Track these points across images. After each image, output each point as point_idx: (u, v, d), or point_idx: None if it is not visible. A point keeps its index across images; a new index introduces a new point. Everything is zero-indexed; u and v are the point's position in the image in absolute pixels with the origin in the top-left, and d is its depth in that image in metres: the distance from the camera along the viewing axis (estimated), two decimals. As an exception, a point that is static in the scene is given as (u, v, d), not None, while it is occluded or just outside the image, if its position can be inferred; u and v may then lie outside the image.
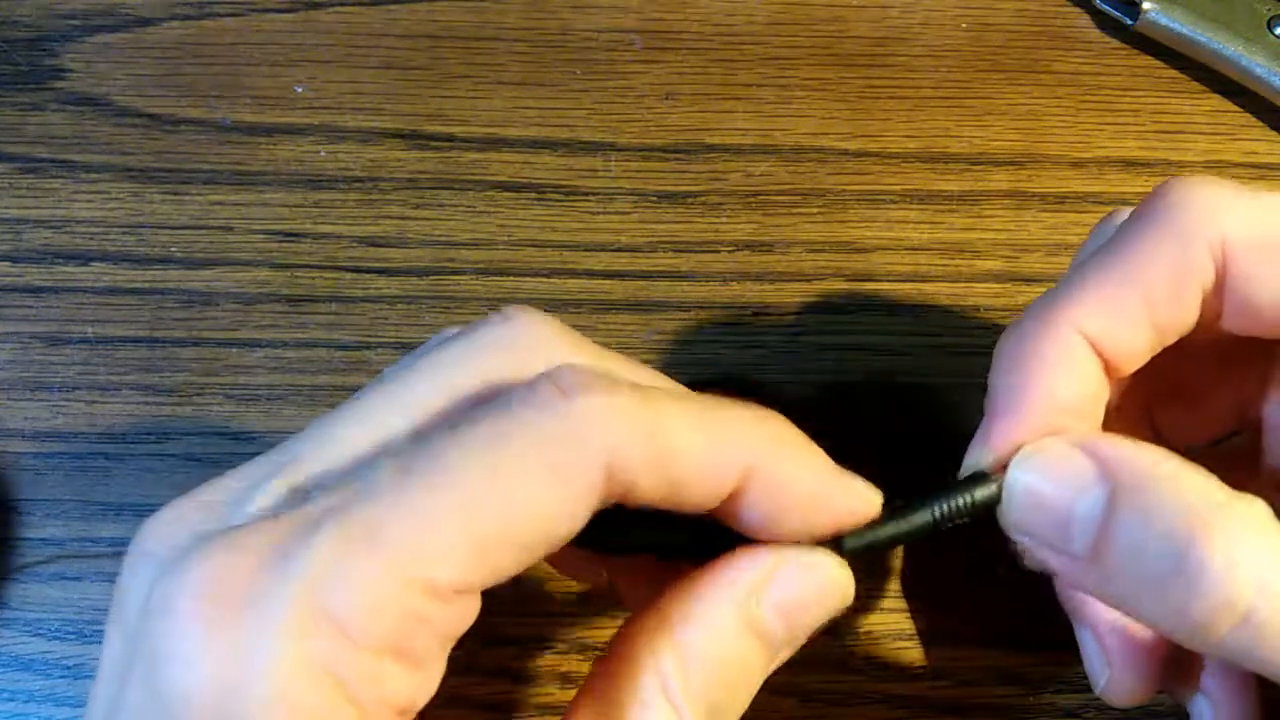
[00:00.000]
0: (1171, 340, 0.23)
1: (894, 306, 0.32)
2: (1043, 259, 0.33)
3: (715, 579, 0.21)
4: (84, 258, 0.32)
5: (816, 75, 0.35)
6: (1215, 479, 0.21)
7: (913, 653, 0.30)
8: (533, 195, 0.33)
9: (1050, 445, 0.22)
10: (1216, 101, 0.35)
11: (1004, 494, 0.22)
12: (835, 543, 0.22)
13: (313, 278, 0.32)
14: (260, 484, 0.20)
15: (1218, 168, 0.34)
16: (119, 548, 0.30)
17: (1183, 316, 0.23)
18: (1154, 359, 0.24)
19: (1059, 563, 0.22)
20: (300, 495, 0.20)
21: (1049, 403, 0.23)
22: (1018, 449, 0.23)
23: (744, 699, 0.21)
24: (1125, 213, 0.25)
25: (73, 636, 0.29)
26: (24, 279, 0.32)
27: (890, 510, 0.22)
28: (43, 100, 0.34)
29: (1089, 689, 0.29)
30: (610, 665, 0.21)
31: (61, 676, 0.29)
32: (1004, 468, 0.23)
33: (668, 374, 0.32)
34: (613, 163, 0.34)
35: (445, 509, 0.18)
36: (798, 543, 0.21)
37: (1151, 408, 0.27)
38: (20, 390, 0.31)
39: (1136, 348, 0.23)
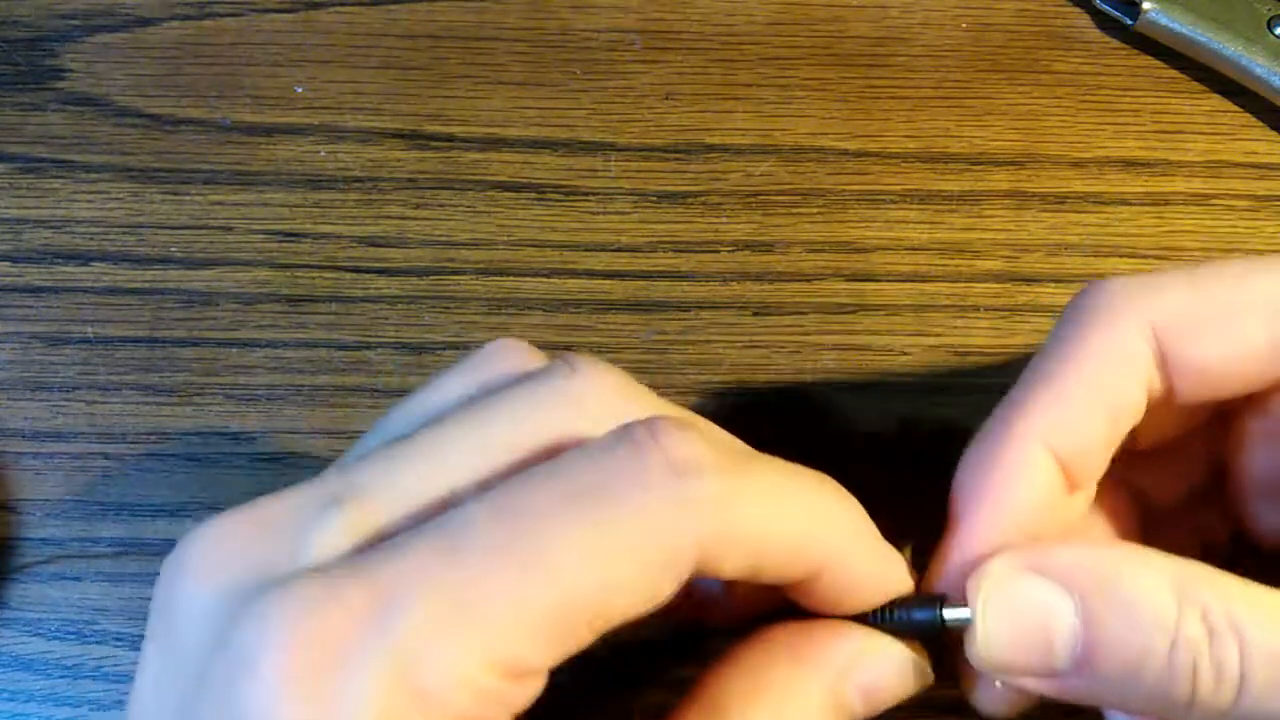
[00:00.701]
0: (1128, 429, 0.24)
1: (894, 306, 0.32)
2: (1043, 259, 0.33)
3: (808, 658, 0.22)
4: (84, 258, 0.32)
5: (816, 75, 0.35)
6: (1174, 557, 0.22)
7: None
8: (533, 195, 0.33)
9: (1005, 580, 0.22)
10: (1216, 101, 0.35)
11: (977, 646, 0.22)
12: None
13: (313, 278, 0.32)
14: (322, 515, 0.20)
15: (1217, 168, 0.34)
16: (119, 548, 0.30)
17: (1131, 408, 0.23)
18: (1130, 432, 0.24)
19: (1042, 685, 0.22)
20: (372, 537, 0.19)
21: (1008, 520, 0.23)
22: (974, 575, 0.23)
23: None
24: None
25: (73, 636, 0.29)
26: (24, 279, 0.32)
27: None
28: (43, 100, 0.34)
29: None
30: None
31: (61, 676, 0.29)
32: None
33: (668, 374, 0.32)
34: (613, 163, 0.34)
35: (541, 591, 0.18)
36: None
37: (1126, 469, 0.27)
38: (20, 390, 0.31)
39: (1093, 449, 0.23)
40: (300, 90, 0.34)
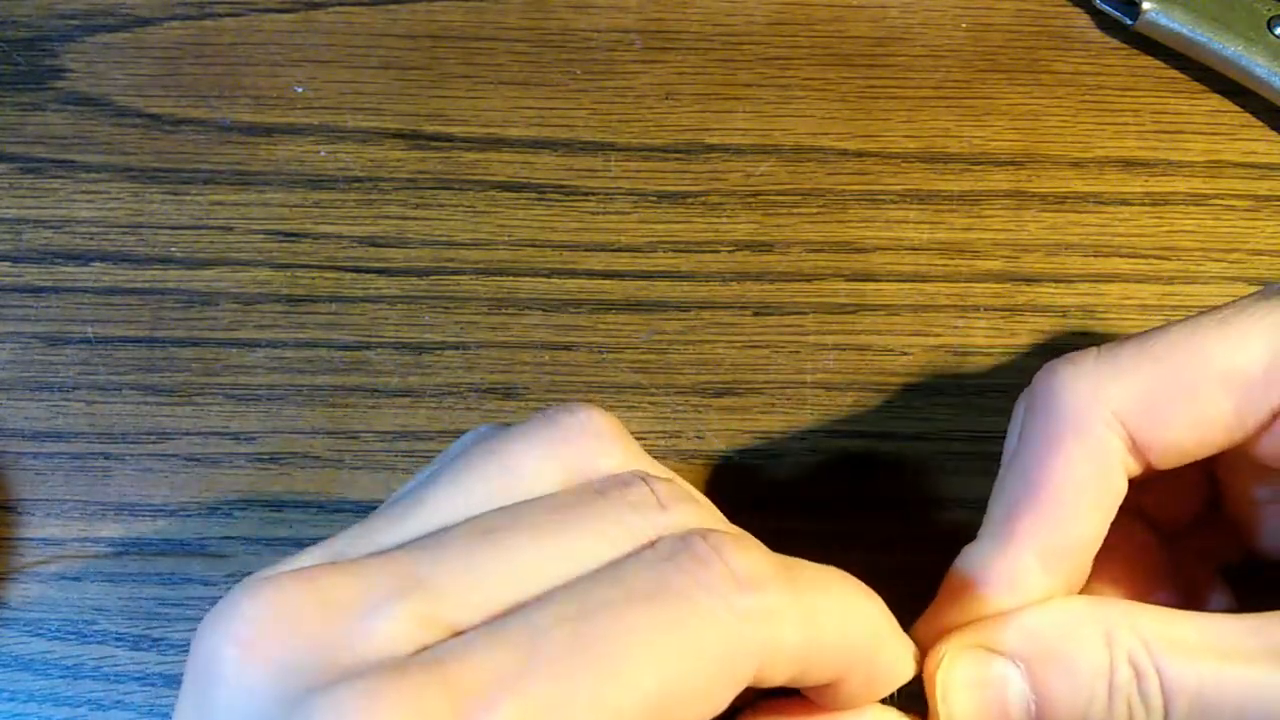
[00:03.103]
0: (1113, 514, 0.24)
1: (894, 306, 0.32)
2: (1043, 259, 0.33)
3: None
4: (84, 258, 0.32)
5: (816, 75, 0.35)
6: (1096, 602, 0.23)
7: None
8: (533, 195, 0.33)
9: (957, 660, 0.24)
10: (1216, 101, 0.35)
11: None
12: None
13: (313, 278, 0.32)
14: (386, 602, 0.19)
15: (1218, 168, 0.34)
16: (119, 548, 0.30)
17: (1114, 496, 0.24)
18: None
19: None
20: (439, 632, 0.19)
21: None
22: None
23: None
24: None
25: (73, 637, 0.29)
26: (24, 279, 0.32)
27: None
28: (43, 100, 0.34)
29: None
30: None
31: (61, 676, 0.29)
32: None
33: (668, 374, 0.32)
34: (613, 163, 0.34)
35: (617, 694, 0.18)
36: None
37: (1134, 495, 0.28)
38: (20, 390, 0.31)
39: (1085, 547, 0.24)
40: (300, 90, 0.34)
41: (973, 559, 0.25)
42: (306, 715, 0.17)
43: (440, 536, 0.20)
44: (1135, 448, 0.23)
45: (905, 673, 0.23)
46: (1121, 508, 0.26)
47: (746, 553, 0.20)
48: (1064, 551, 0.24)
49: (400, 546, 0.20)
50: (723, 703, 0.19)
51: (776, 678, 0.20)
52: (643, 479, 0.21)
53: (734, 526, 0.22)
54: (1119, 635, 0.23)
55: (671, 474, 0.22)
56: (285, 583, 0.19)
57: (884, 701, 0.23)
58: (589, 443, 0.22)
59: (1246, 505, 0.27)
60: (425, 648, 0.18)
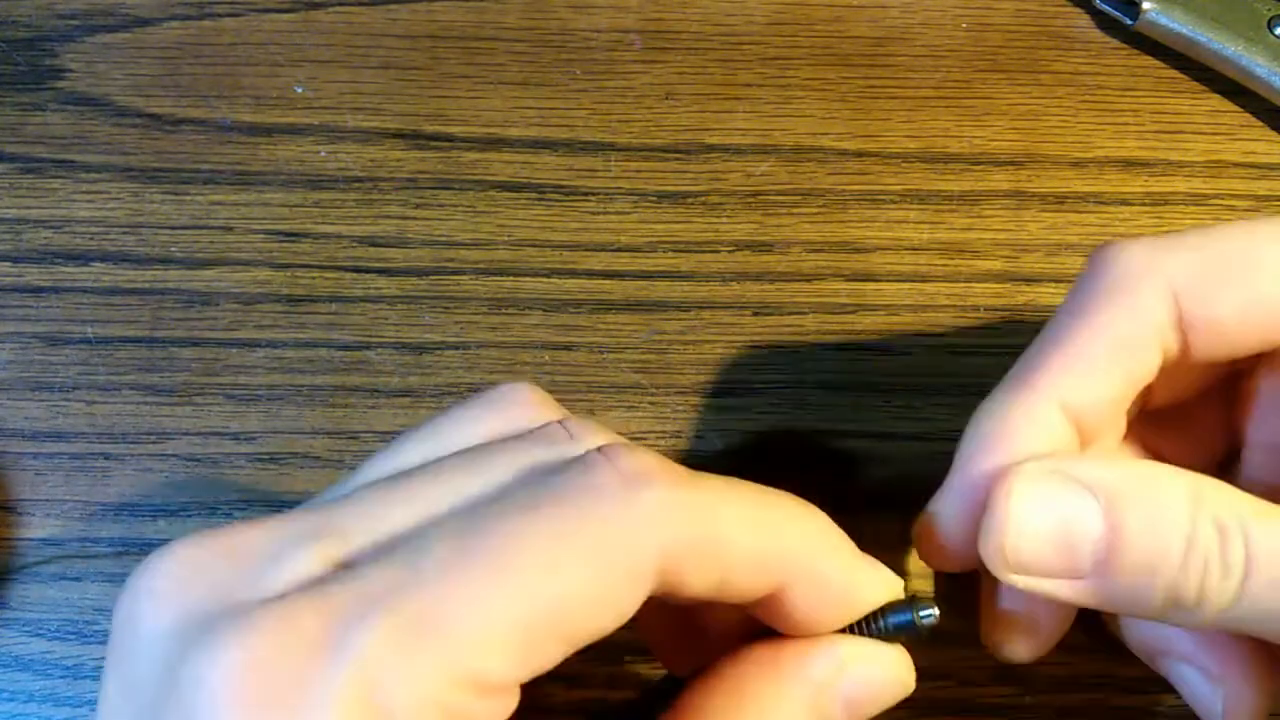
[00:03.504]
0: (1141, 387, 0.24)
1: (894, 306, 0.32)
2: (1043, 259, 0.33)
3: (789, 671, 0.22)
4: (84, 258, 0.32)
5: (816, 75, 0.35)
6: (1196, 474, 0.22)
7: (918, 654, 0.30)
8: (533, 195, 0.33)
9: (1031, 476, 0.22)
10: (1216, 101, 0.35)
11: (1006, 544, 0.22)
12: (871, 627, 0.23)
13: (313, 278, 0.32)
14: (293, 547, 0.19)
15: (1218, 168, 0.34)
16: (119, 548, 0.30)
17: (1146, 367, 0.24)
18: (1145, 389, 0.24)
19: (1061, 589, 0.22)
20: (341, 568, 0.19)
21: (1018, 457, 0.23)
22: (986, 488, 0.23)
23: None
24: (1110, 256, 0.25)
25: (73, 636, 0.29)
26: (24, 279, 0.32)
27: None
28: (43, 100, 0.34)
29: (1089, 689, 0.29)
30: None
31: (61, 676, 0.29)
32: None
33: (668, 374, 0.32)
34: (613, 163, 0.34)
35: (501, 601, 0.18)
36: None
37: (1146, 437, 0.27)
38: (20, 390, 0.31)
39: (1107, 407, 0.24)
40: (300, 90, 0.34)
41: (994, 400, 0.24)
42: (190, 650, 0.17)
43: (356, 491, 0.21)
44: (1179, 324, 0.23)
45: (872, 590, 0.22)
46: (1138, 451, 0.26)
47: (638, 456, 0.20)
48: (1085, 407, 0.23)
49: (314, 501, 0.21)
50: (625, 608, 0.19)
51: (694, 584, 0.20)
52: (559, 422, 0.21)
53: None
54: (1206, 494, 0.22)
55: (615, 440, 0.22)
56: (198, 539, 0.19)
57: (875, 635, 0.22)
58: (515, 410, 0.22)
59: (1265, 451, 0.26)
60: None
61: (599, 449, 0.20)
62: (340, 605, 0.18)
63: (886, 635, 0.22)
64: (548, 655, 0.19)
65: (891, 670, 0.22)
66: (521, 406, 0.23)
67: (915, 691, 0.28)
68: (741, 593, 0.21)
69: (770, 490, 0.21)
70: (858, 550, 0.22)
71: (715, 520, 0.20)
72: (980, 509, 0.23)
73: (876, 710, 0.22)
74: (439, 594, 0.18)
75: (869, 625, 0.22)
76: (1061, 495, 0.22)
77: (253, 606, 0.18)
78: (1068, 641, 0.29)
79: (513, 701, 0.19)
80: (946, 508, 0.24)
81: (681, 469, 0.20)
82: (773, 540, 0.21)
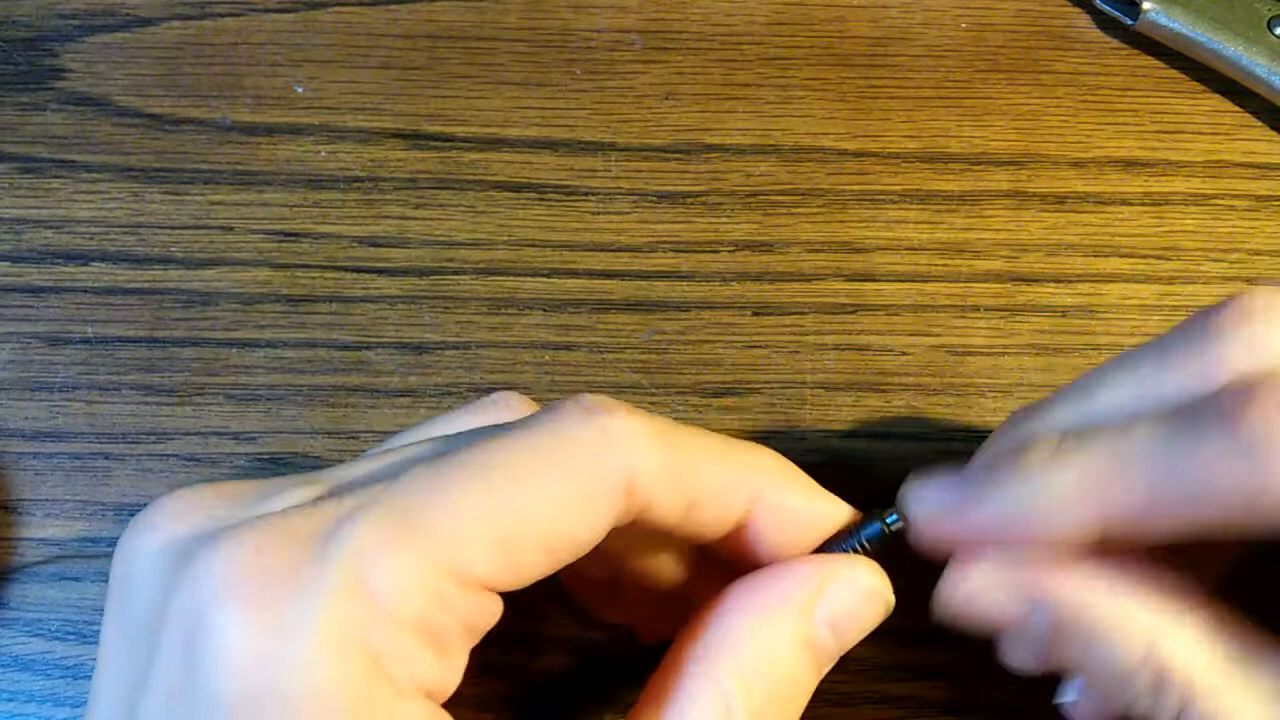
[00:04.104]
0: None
1: (894, 306, 0.32)
2: (1043, 259, 0.33)
3: (768, 597, 0.22)
4: (84, 258, 0.32)
5: (816, 75, 0.35)
6: (1165, 607, 0.22)
7: (913, 653, 0.30)
8: (533, 195, 0.33)
9: (986, 578, 0.23)
10: (1216, 101, 0.35)
11: (945, 603, 0.23)
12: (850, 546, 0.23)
13: (313, 278, 0.32)
14: (282, 490, 0.21)
15: (1218, 168, 0.34)
16: (119, 548, 0.30)
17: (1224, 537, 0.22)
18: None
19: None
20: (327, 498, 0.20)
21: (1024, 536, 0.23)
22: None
23: (797, 714, 0.22)
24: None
25: (73, 636, 0.29)
26: (24, 279, 0.32)
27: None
28: (43, 100, 0.34)
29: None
30: (668, 683, 0.22)
31: (61, 676, 0.29)
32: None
33: (668, 374, 0.32)
34: (613, 163, 0.34)
35: (476, 504, 0.19)
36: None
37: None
38: (20, 390, 0.31)
39: (1145, 543, 0.22)
40: (300, 90, 0.34)
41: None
42: (189, 560, 0.19)
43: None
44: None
45: (835, 514, 0.23)
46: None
47: (599, 397, 0.21)
48: None
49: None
50: (598, 520, 0.20)
51: (662, 508, 0.21)
52: (493, 396, 0.24)
53: None
54: (1163, 643, 0.22)
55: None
56: (197, 486, 0.21)
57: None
58: (502, 414, 0.24)
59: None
60: None
61: (569, 399, 0.21)
62: (327, 513, 0.19)
63: (859, 553, 0.23)
64: (526, 562, 0.20)
65: (867, 581, 0.23)
66: (507, 411, 0.24)
67: (915, 691, 0.28)
68: (709, 520, 0.22)
69: (729, 437, 0.23)
70: (807, 478, 0.23)
71: (680, 449, 0.21)
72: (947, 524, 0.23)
73: (862, 630, 0.23)
74: (418, 498, 0.19)
75: (839, 549, 0.23)
76: (1012, 603, 0.23)
77: (240, 522, 0.19)
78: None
79: (496, 603, 0.20)
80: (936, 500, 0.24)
81: (645, 412, 0.21)
82: (736, 469, 0.22)
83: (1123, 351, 0.23)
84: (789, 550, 0.23)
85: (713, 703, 0.21)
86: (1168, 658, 0.21)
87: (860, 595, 0.22)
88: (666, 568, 0.25)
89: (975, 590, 0.23)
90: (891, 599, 0.23)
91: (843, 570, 0.22)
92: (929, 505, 0.23)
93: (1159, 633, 0.22)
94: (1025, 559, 0.22)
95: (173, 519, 0.20)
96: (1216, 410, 0.20)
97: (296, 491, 0.20)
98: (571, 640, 0.30)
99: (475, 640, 0.20)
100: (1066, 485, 0.21)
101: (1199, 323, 0.22)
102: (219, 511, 0.20)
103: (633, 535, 0.22)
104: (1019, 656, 0.24)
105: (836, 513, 0.23)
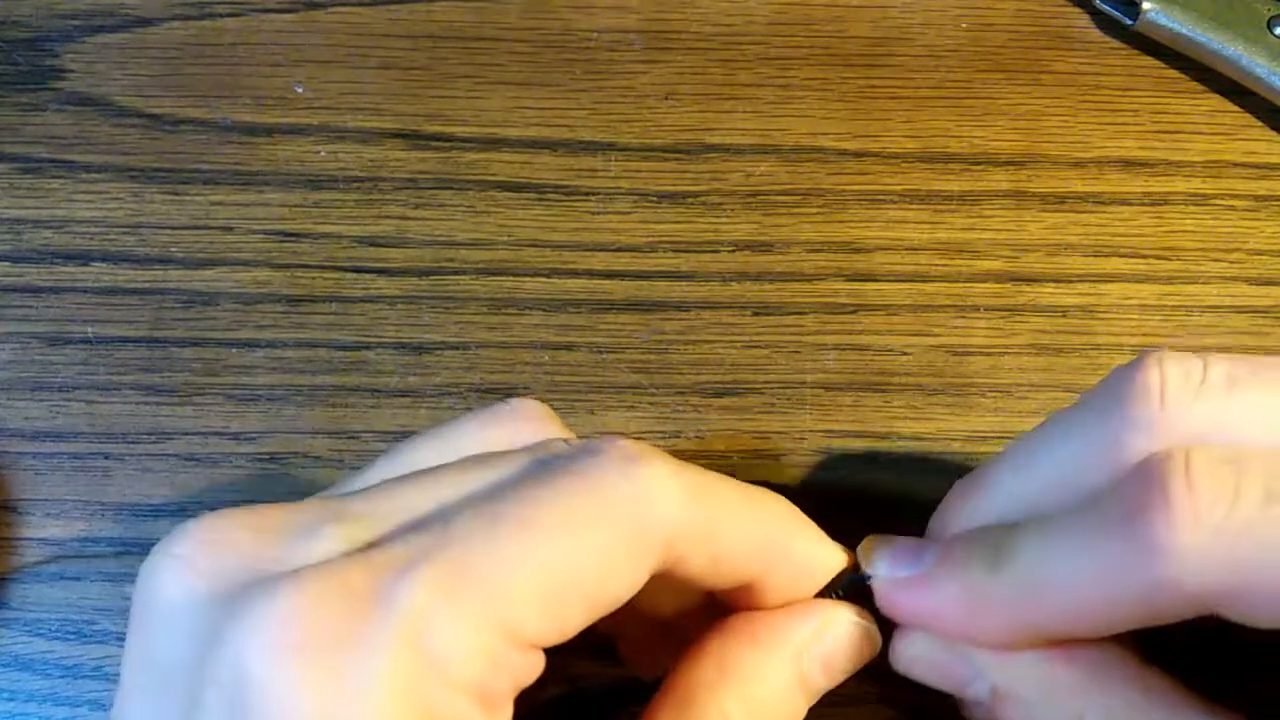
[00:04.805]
0: None
1: (894, 306, 0.32)
2: (1043, 259, 0.33)
3: (774, 635, 0.24)
4: (84, 258, 0.32)
5: (816, 75, 0.35)
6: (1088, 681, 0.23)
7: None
8: (533, 195, 0.33)
9: (924, 652, 0.25)
10: (1216, 101, 0.35)
11: (898, 663, 0.25)
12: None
13: (313, 278, 0.32)
14: (318, 527, 0.20)
15: (1218, 168, 0.34)
16: (119, 548, 0.30)
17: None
18: None
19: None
20: (367, 545, 0.19)
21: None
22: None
23: None
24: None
25: (73, 636, 0.29)
26: (24, 279, 0.32)
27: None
28: (43, 100, 0.34)
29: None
30: (671, 706, 0.23)
31: (61, 676, 0.29)
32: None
33: (668, 374, 0.32)
34: (613, 163, 0.34)
35: (529, 558, 0.19)
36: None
37: None
38: (20, 390, 0.31)
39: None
40: (300, 90, 0.34)
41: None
42: (234, 615, 0.18)
43: (372, 486, 0.22)
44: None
45: (831, 563, 0.24)
46: None
47: (637, 443, 0.21)
48: None
49: (327, 492, 0.22)
50: (637, 574, 0.20)
51: (690, 562, 0.21)
52: (563, 440, 0.23)
53: None
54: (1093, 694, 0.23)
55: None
56: (223, 512, 0.20)
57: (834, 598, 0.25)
58: (522, 424, 0.24)
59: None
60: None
61: (602, 438, 0.21)
62: (382, 564, 0.19)
63: (843, 598, 0.25)
64: (570, 618, 0.20)
65: (859, 626, 0.24)
66: (528, 421, 0.24)
67: (915, 691, 0.28)
68: (728, 574, 0.22)
69: (748, 485, 0.23)
70: (816, 528, 0.24)
71: (712, 504, 0.21)
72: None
73: (851, 669, 0.24)
74: (472, 552, 0.19)
75: (827, 592, 0.25)
76: (953, 668, 0.24)
77: (288, 574, 0.19)
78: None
79: (540, 664, 0.20)
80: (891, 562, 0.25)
81: (673, 459, 0.22)
82: (759, 528, 0.23)
83: (1053, 415, 0.24)
84: (792, 596, 0.24)
85: None
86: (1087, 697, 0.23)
87: (852, 638, 0.24)
88: (668, 605, 0.26)
89: (917, 656, 0.25)
90: (879, 640, 0.25)
91: (839, 614, 0.24)
92: (882, 573, 0.25)
93: (1087, 700, 0.23)
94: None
95: (207, 558, 0.19)
96: (1120, 512, 0.21)
97: (339, 530, 0.20)
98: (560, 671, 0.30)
99: (518, 693, 0.20)
100: (1000, 600, 0.23)
101: (1107, 396, 0.23)
102: (258, 551, 0.19)
103: (657, 585, 0.22)
104: (970, 714, 0.25)
105: (835, 560, 0.24)
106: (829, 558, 0.24)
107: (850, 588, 0.25)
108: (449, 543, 0.19)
